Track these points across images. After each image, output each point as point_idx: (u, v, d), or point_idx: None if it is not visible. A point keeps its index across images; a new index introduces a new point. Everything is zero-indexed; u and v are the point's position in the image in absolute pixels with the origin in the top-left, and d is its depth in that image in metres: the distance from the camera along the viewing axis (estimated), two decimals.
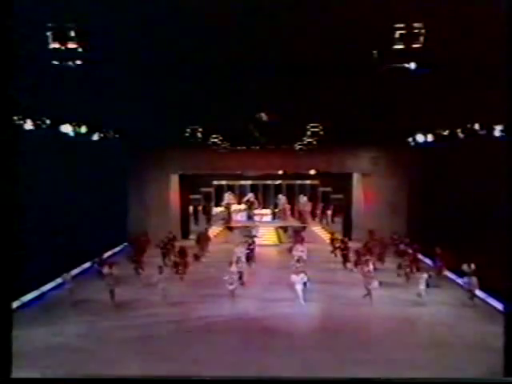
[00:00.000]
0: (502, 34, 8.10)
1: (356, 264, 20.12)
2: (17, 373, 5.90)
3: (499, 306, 14.47)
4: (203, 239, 25.06)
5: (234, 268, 17.14)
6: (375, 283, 16.33)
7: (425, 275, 16.53)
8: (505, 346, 5.95)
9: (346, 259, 21.50)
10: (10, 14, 6.11)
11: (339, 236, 24.85)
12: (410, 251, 20.44)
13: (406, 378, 9.69)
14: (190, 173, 28.42)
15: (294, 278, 16.60)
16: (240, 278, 17.71)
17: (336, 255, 22.65)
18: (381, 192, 26.65)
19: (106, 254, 22.50)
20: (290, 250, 22.97)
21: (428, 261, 21.42)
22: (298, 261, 19.15)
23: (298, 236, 26.08)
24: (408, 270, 18.90)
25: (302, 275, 16.49)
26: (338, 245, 22.91)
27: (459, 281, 17.45)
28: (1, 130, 6.20)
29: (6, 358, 5.81)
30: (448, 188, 22.14)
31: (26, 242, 18.50)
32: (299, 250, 20.80)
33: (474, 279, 15.91)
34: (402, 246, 21.96)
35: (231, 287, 16.32)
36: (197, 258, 22.49)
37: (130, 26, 8.72)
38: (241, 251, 20.07)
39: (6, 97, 6.13)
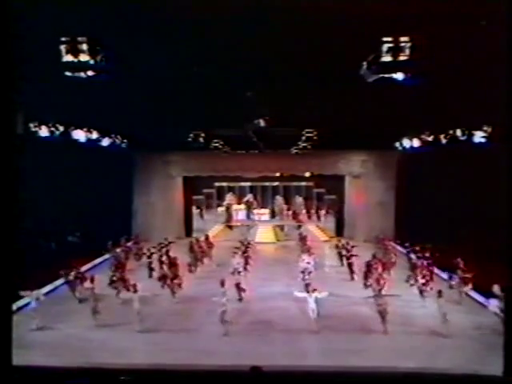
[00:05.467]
0: (486, 46, 8.19)
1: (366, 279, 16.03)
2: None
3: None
4: (200, 248, 20.96)
5: (225, 287, 13.41)
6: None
7: (443, 299, 12.72)
8: (505, 345, 5.79)
9: (351, 269, 18.39)
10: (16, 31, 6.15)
11: (342, 241, 21.38)
12: (424, 263, 16.64)
13: (408, 369, 9.49)
14: (192, 175, 28.40)
15: (299, 295, 13.37)
16: (239, 291, 15.12)
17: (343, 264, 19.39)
18: (371, 193, 26.68)
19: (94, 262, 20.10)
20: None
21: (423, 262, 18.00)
22: (303, 272, 16.76)
23: (304, 244, 21.87)
24: (420, 283, 15.18)
25: (315, 293, 12.84)
26: (343, 252, 19.61)
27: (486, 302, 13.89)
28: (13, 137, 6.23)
29: (6, 346, 5.78)
30: (432, 189, 22.28)
31: (36, 241, 18.66)
32: (305, 261, 17.64)
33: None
34: (413, 257, 18.49)
35: (222, 308, 12.75)
36: (190, 269, 19.06)
37: (136, 39, 8.76)
38: (238, 262, 17.35)
39: (13, 105, 6.17)
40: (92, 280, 14.45)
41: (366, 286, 15.86)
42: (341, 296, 15.31)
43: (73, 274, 15.93)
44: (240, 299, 15.13)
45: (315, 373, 7.75)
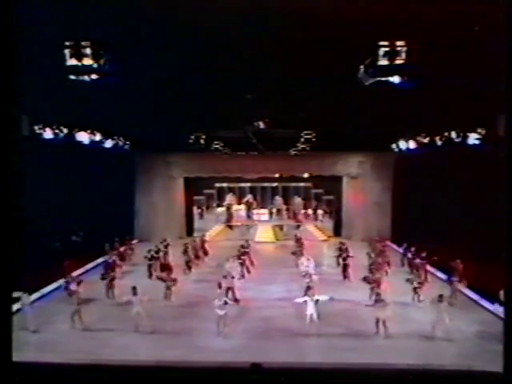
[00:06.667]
0: (481, 49, 8.22)
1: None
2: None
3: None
4: (195, 250, 20.54)
5: (222, 289, 13.16)
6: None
7: (444, 303, 12.14)
8: (505, 345, 5.74)
9: (346, 269, 17.88)
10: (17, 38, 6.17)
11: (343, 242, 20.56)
12: (420, 262, 16.69)
13: (407, 366, 9.22)
14: (193, 176, 28.43)
15: (299, 300, 12.86)
16: (232, 295, 14.31)
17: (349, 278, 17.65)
18: (368, 193, 26.70)
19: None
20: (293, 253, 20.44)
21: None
22: (304, 276, 15.89)
23: (300, 245, 21.32)
24: (419, 285, 14.89)
25: (315, 297, 12.52)
26: (343, 255, 18.49)
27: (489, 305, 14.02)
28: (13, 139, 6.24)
29: (6, 343, 5.77)
30: (428, 190, 22.33)
31: (40, 241, 18.63)
32: (304, 265, 17.38)
33: None
34: (409, 256, 18.69)
35: (221, 312, 12.13)
36: (188, 268, 18.99)
37: (138, 42, 8.78)
38: (230, 266, 16.75)
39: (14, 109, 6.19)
40: (79, 283, 14.10)
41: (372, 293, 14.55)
42: (340, 298, 14.96)
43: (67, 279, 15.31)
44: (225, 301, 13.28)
45: (315, 370, 7.73)
